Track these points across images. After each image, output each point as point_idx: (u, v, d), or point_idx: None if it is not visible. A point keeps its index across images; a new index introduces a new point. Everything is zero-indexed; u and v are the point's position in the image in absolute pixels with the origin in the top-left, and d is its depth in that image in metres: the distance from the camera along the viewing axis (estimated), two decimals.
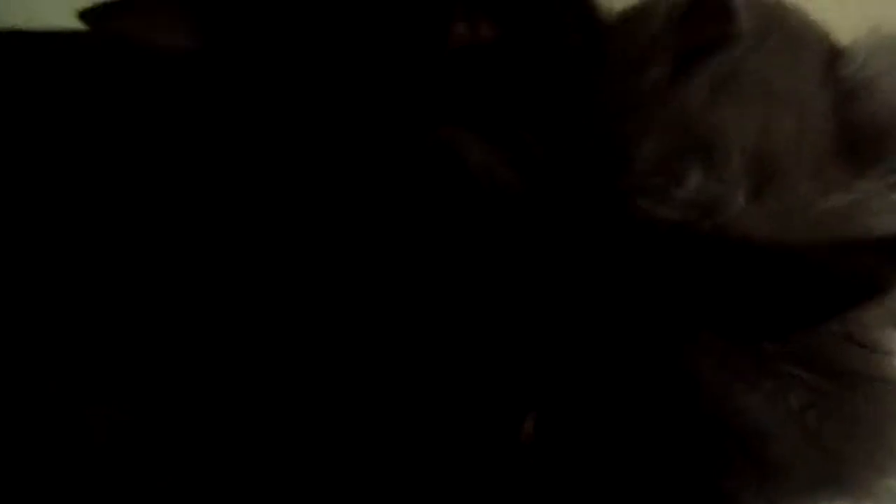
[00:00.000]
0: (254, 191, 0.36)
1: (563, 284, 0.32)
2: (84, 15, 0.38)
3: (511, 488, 0.32)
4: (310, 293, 0.34)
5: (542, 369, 0.32)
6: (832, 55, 0.40)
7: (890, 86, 0.38)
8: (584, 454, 0.31)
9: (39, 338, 0.37)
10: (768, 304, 0.30)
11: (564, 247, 0.32)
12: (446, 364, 0.32)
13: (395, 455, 0.33)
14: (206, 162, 0.37)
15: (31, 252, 0.38)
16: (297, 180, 0.36)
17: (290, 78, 0.36)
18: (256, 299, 0.35)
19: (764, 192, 0.31)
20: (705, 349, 0.31)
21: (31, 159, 0.39)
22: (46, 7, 0.47)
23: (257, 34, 0.37)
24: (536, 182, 0.32)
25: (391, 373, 0.33)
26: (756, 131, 0.33)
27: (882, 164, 0.35)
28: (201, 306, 0.36)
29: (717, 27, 0.33)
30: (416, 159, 0.33)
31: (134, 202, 0.38)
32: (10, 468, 0.35)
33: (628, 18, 0.36)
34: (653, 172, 0.31)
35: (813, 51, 0.39)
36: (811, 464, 0.31)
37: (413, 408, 0.33)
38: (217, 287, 0.36)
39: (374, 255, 0.33)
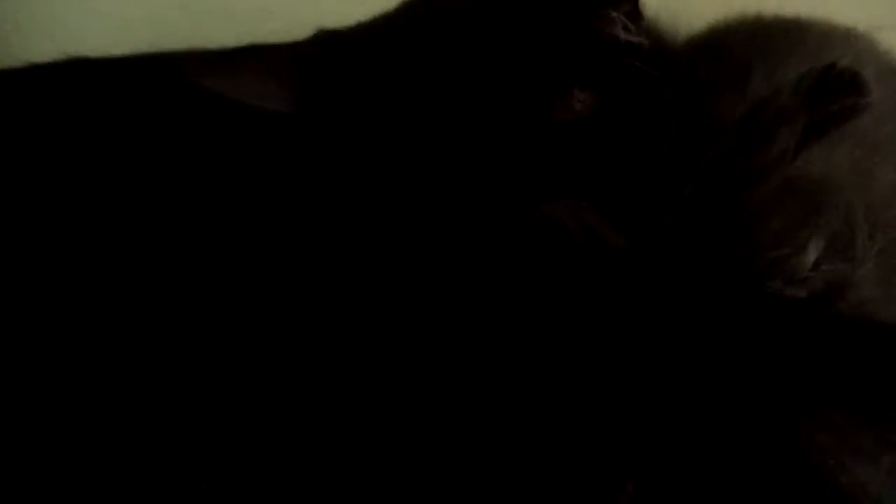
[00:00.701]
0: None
1: (675, 353, 0.31)
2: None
3: None
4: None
5: (646, 438, 0.32)
6: None
7: None
8: None
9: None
10: (890, 382, 0.30)
11: (679, 313, 0.31)
12: (553, 428, 0.33)
13: None
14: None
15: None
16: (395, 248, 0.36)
17: (389, 147, 0.37)
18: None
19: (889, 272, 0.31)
20: (826, 425, 0.31)
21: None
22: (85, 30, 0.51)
23: (362, 99, 0.37)
24: (649, 245, 0.32)
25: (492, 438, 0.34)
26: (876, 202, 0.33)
27: None
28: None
29: (848, 99, 0.31)
30: (520, 234, 0.34)
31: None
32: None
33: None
34: (777, 244, 0.31)
35: None
36: None
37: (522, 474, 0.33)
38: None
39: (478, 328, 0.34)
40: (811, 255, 0.31)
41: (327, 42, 0.41)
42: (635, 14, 0.38)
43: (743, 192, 0.32)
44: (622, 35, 0.37)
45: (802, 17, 0.43)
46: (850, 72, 0.31)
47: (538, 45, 0.37)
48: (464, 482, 0.34)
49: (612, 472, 0.32)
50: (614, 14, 0.37)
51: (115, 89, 0.41)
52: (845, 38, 0.41)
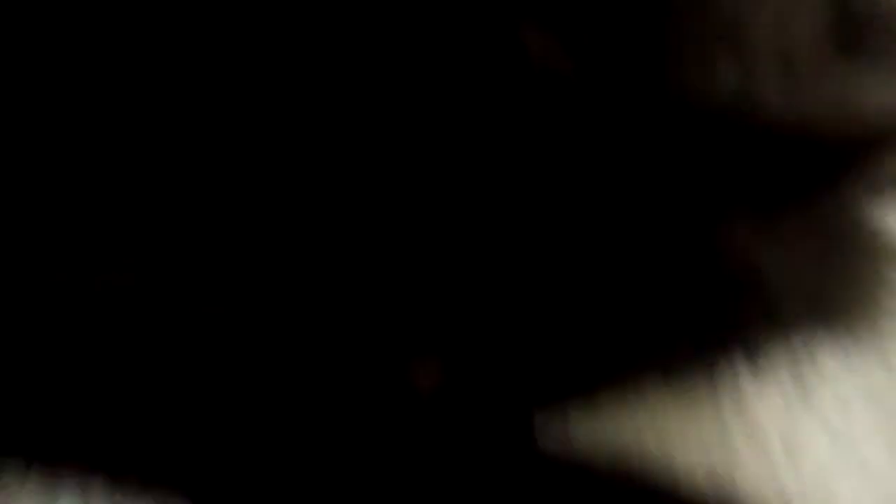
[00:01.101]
0: None
1: (608, 167, 0.37)
2: None
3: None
4: None
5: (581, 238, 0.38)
6: None
7: None
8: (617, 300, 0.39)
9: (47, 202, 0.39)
10: (789, 181, 0.37)
11: (612, 132, 0.37)
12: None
13: None
14: None
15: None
16: None
17: None
18: None
19: (786, 84, 0.37)
20: (734, 215, 0.38)
21: None
22: None
23: None
24: (589, 72, 0.37)
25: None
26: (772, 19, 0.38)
27: (871, 49, 0.38)
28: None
29: None
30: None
31: None
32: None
33: None
34: (695, 66, 0.36)
35: None
36: (811, 306, 0.40)
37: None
38: None
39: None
40: (723, 68, 0.36)
41: None
42: None
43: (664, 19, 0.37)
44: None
45: None
46: None
47: None
48: None
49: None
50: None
51: None
52: None
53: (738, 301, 0.39)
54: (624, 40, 0.37)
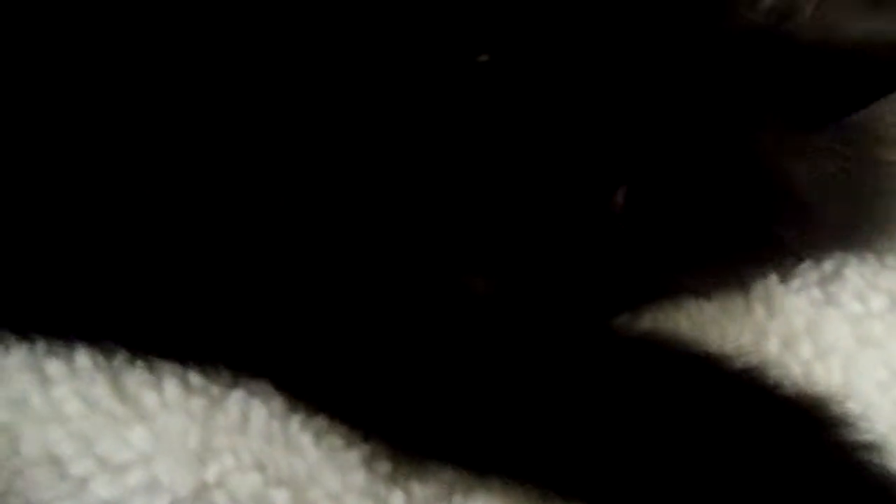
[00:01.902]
0: None
1: (659, 76, 0.41)
2: None
3: (604, 250, 0.43)
4: None
5: (633, 151, 0.42)
6: None
7: None
8: (665, 218, 0.43)
9: None
10: (818, 94, 0.41)
11: (667, 45, 0.41)
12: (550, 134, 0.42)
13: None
14: None
15: None
16: None
17: None
18: None
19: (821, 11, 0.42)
20: (768, 129, 0.42)
21: None
22: None
23: None
24: None
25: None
26: None
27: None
28: None
29: None
30: None
31: None
32: None
33: None
34: None
35: None
36: (839, 215, 0.44)
37: (523, 182, 0.43)
38: None
39: None
40: None
41: None
42: None
43: None
44: None
45: None
46: None
47: None
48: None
49: (603, 179, 0.42)
50: None
51: None
52: None
53: (770, 208, 0.43)
54: None
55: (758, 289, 0.46)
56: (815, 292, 0.45)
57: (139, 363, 0.41)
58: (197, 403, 0.40)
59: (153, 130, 0.43)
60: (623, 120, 0.42)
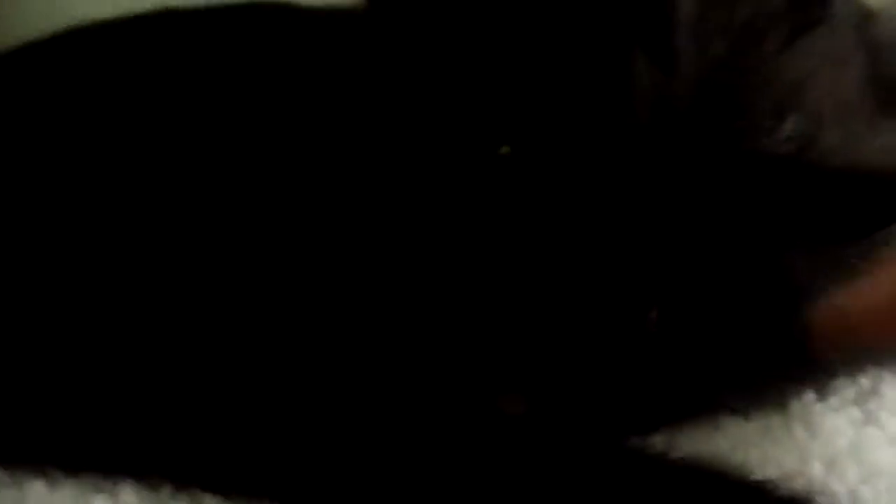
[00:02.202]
0: None
1: (687, 204, 0.42)
2: None
3: (640, 366, 0.44)
4: None
5: (665, 270, 0.43)
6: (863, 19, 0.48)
7: None
8: (700, 337, 0.43)
9: None
10: (846, 215, 0.42)
11: (689, 173, 0.42)
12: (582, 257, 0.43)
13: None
14: None
15: None
16: None
17: None
18: None
19: (841, 134, 0.43)
20: (800, 248, 0.43)
21: None
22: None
23: None
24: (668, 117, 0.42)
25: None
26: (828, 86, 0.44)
27: None
28: None
29: (820, 10, 0.44)
30: None
31: None
32: None
33: None
34: (765, 117, 0.42)
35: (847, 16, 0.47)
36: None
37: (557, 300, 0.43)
38: None
39: None
40: (789, 124, 0.42)
41: None
42: None
43: (742, 82, 0.43)
44: None
45: None
46: None
47: None
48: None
49: (638, 299, 0.43)
50: None
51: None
52: None
53: (804, 323, 0.44)
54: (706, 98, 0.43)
55: (795, 407, 0.46)
56: (854, 411, 0.45)
57: (182, 496, 0.41)
58: None
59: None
60: (654, 238, 0.43)
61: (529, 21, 0.44)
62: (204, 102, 0.47)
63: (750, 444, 0.44)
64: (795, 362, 0.45)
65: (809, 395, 0.46)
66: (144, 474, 0.42)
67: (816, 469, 0.42)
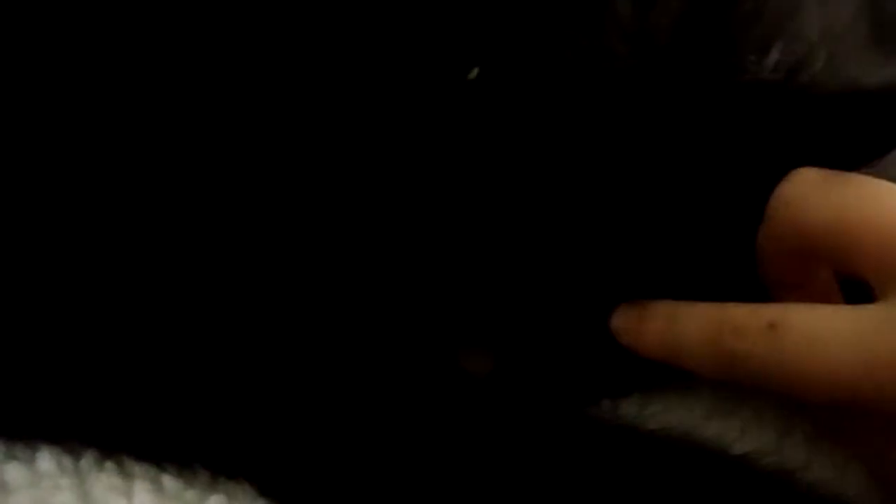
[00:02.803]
0: None
1: (668, 142, 0.39)
2: None
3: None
4: None
5: (648, 216, 0.40)
6: None
7: None
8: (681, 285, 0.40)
9: None
10: (841, 142, 0.39)
11: (670, 108, 0.39)
12: None
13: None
14: None
15: None
16: None
17: None
18: None
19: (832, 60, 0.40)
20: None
21: None
22: None
23: None
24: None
25: None
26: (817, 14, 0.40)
27: None
28: None
29: None
30: None
31: None
32: None
33: None
34: (750, 49, 0.39)
35: None
36: None
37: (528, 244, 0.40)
38: None
39: None
40: (775, 53, 0.39)
41: None
42: None
43: (725, 13, 0.39)
44: None
45: None
46: None
47: None
48: None
49: (616, 247, 0.40)
50: None
51: None
52: None
53: None
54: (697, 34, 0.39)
55: None
56: None
57: (108, 465, 0.38)
58: None
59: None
60: (633, 178, 0.39)
61: None
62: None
63: (728, 412, 0.41)
64: None
65: None
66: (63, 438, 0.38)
67: (799, 441, 0.39)
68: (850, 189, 0.37)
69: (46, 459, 0.37)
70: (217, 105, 0.40)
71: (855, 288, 0.38)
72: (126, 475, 0.37)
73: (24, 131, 0.40)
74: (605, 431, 0.41)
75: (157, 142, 0.40)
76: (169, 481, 0.37)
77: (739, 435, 0.39)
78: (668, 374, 0.42)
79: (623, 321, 0.41)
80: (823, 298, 0.39)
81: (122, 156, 0.40)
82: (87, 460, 0.38)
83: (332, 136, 0.41)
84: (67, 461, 0.38)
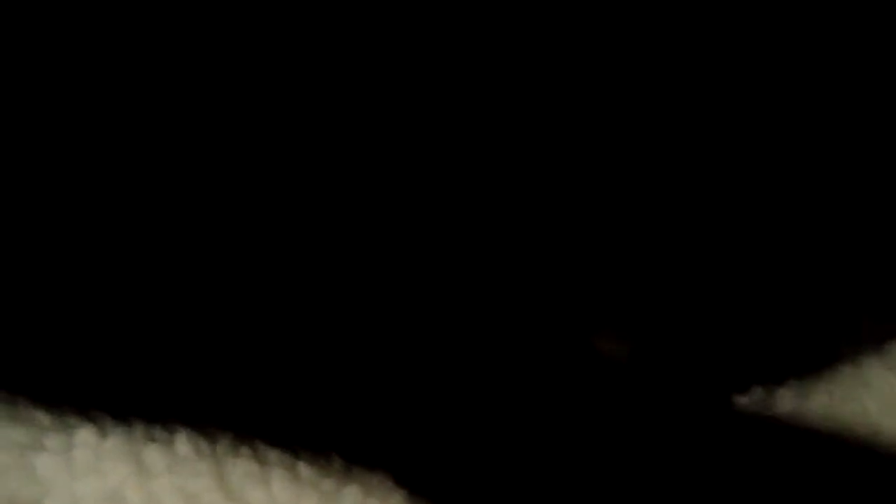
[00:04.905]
0: None
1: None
2: None
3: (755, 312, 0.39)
4: None
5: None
6: None
7: None
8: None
9: None
10: None
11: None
12: None
13: None
14: None
15: None
16: None
17: None
18: None
19: None
20: None
21: None
22: None
23: None
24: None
25: None
26: None
27: None
28: None
29: None
30: None
31: None
32: None
33: None
34: None
35: None
36: None
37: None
38: None
39: None
40: None
41: None
42: None
43: None
44: None
45: None
46: None
47: None
48: None
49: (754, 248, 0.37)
50: None
51: None
52: None
53: None
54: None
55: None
56: None
57: (244, 450, 0.37)
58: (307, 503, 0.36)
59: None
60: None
61: None
62: None
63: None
64: None
65: None
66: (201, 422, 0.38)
67: None
68: None
69: (184, 442, 0.37)
70: None
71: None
72: (262, 462, 0.37)
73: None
74: (756, 426, 0.38)
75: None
76: (305, 469, 0.37)
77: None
78: (834, 357, 0.39)
79: None
80: None
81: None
82: (223, 445, 0.37)
83: None
84: (204, 445, 0.37)
